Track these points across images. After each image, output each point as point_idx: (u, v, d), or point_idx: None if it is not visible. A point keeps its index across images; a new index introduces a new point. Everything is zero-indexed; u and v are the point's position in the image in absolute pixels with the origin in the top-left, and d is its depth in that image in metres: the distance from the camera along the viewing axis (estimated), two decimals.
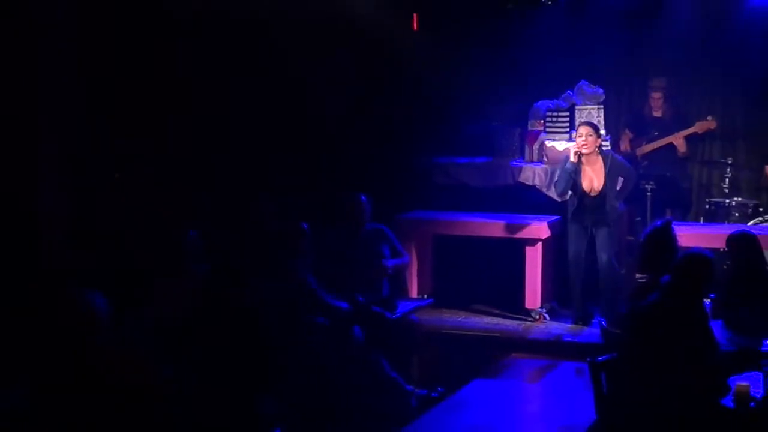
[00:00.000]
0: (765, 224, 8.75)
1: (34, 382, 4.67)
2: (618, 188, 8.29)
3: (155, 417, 4.73)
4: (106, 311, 4.80)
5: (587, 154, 8.16)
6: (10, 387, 5.01)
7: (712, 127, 9.45)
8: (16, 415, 4.52)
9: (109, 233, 7.76)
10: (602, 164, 8.22)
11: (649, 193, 9.06)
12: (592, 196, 8.24)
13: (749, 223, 8.85)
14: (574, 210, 8.33)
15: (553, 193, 8.86)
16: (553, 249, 8.69)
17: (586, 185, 8.24)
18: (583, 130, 8.22)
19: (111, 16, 7.57)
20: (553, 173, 8.85)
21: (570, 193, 8.32)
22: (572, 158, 8.16)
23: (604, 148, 8.51)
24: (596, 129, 8.30)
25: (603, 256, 8.20)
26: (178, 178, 8.23)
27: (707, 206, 9.73)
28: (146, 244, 7.68)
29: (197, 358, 5.63)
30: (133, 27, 7.78)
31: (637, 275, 6.87)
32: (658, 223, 6.67)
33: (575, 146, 8.21)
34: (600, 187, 8.21)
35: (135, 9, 7.78)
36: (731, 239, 7.02)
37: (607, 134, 9.00)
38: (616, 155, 8.56)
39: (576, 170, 8.20)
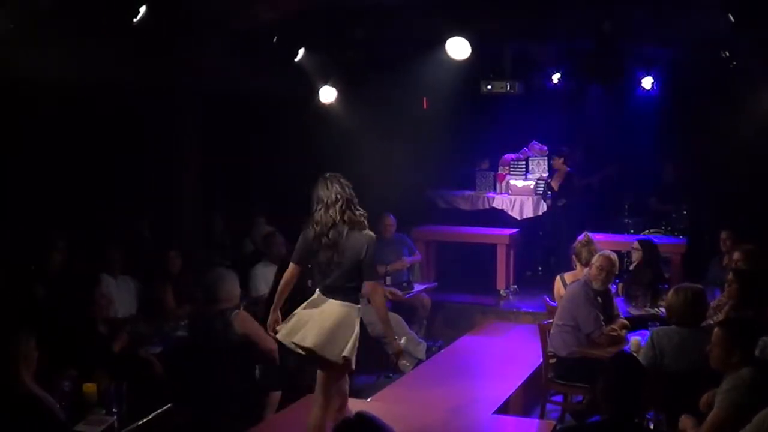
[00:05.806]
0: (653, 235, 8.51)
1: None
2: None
3: None
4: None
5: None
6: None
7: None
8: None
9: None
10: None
11: None
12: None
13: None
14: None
15: (515, 214, 8.83)
16: (514, 250, 8.60)
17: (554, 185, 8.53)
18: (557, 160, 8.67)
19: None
20: (514, 201, 8.86)
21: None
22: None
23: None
24: (560, 157, 8.62)
25: (551, 259, 8.08)
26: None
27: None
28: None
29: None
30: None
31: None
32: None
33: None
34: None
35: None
36: (640, 243, 6.75)
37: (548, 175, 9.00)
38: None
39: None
